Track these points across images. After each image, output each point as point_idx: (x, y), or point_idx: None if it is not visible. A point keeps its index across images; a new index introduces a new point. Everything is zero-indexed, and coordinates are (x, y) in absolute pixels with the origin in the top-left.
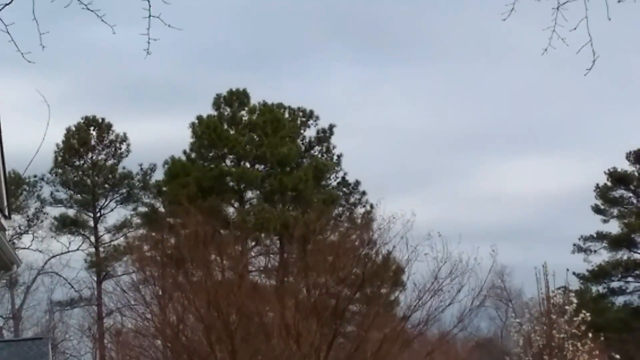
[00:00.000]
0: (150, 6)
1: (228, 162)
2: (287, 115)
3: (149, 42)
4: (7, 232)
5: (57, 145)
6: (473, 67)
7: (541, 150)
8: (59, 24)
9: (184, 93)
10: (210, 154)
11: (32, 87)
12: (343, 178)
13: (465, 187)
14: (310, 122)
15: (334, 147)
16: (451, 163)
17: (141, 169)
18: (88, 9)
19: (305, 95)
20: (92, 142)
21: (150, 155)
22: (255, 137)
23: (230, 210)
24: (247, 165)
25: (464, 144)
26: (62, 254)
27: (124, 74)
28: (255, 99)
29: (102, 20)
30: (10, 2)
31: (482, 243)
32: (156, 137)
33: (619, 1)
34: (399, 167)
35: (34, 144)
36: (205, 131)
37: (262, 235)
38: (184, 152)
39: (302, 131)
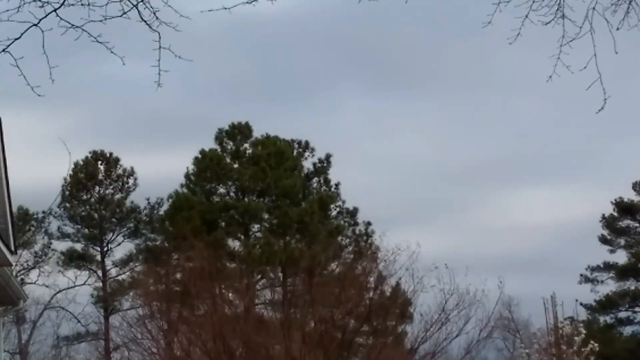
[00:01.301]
0: (160, 37)
1: (232, 194)
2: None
3: (159, 74)
4: (13, 268)
5: (65, 179)
6: (480, 99)
7: (547, 180)
8: (69, 59)
9: (194, 126)
10: (214, 187)
11: (40, 121)
12: (342, 207)
13: (472, 219)
14: (307, 153)
15: (330, 180)
16: (458, 194)
17: (148, 202)
18: (97, 41)
19: (314, 128)
20: (100, 177)
21: (158, 188)
22: (258, 169)
23: (236, 243)
24: (252, 198)
25: (471, 175)
26: (68, 288)
27: (132, 108)
28: (258, 132)
29: (112, 52)
30: (19, 37)
31: (489, 274)
32: (165, 170)
33: (617, 29)
34: (408, 198)
35: (42, 178)
36: (209, 165)
37: (268, 268)
38: (188, 185)
39: (301, 162)
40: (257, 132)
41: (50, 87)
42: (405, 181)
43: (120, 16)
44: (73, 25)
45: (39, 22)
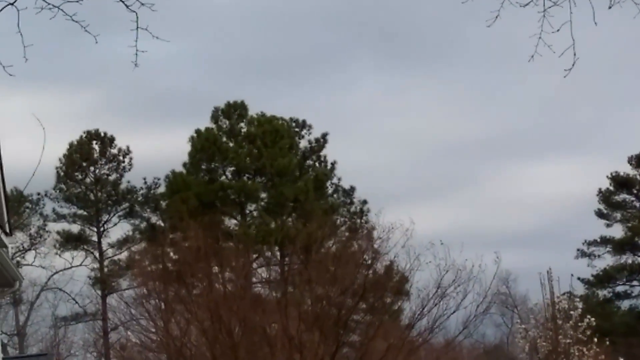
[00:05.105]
0: (137, 18)
1: (228, 174)
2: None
3: (136, 54)
4: (9, 249)
5: (60, 160)
6: (480, 77)
7: (543, 156)
8: (63, 41)
9: (199, 104)
10: (210, 167)
11: (34, 102)
12: (338, 185)
13: (468, 194)
14: (304, 132)
15: (325, 157)
16: (456, 171)
17: (145, 183)
18: (73, 20)
19: (324, 105)
20: (95, 156)
21: (155, 168)
22: (254, 148)
23: (232, 222)
24: (248, 177)
25: (469, 152)
26: (65, 269)
27: (130, 87)
28: (258, 110)
29: (86, 31)
30: None
31: (486, 250)
32: (162, 150)
33: (609, 7)
34: (408, 175)
35: (36, 160)
36: (205, 144)
37: (264, 247)
38: (184, 165)
39: (297, 140)
40: (258, 110)
41: (48, 70)
42: (406, 158)
43: None
44: (52, 5)
45: (14, 2)
